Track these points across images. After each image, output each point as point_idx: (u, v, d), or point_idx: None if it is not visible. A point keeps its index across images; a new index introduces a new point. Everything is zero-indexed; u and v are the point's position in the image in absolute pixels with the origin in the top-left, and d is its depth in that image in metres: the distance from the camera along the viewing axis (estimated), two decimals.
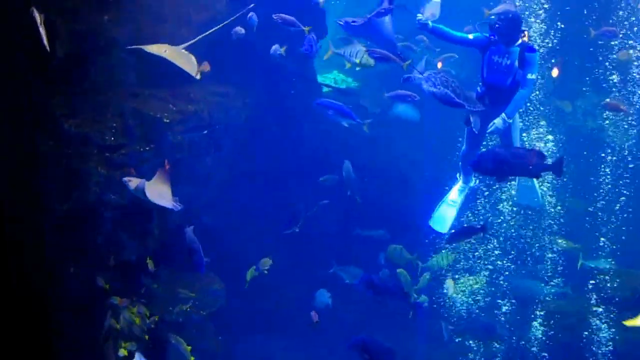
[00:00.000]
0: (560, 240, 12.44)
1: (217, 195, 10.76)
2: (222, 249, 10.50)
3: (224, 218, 11.06)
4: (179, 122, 9.45)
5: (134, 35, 8.72)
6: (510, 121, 8.86)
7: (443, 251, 11.35)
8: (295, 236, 11.16)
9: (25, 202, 7.66)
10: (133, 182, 7.74)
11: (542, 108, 12.45)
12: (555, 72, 12.14)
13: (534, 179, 10.15)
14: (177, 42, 8.82)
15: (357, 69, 9.72)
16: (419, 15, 8.76)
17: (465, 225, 10.58)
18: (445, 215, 10.24)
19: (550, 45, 12.25)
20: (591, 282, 11.98)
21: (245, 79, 11.14)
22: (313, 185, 11.74)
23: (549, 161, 8.09)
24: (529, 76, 8.81)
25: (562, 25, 12.32)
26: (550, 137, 12.41)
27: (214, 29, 9.31)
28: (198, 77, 8.60)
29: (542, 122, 12.38)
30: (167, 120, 9.26)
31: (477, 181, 10.52)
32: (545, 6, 12.18)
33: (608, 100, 12.15)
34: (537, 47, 9.03)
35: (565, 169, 8.56)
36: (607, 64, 12.48)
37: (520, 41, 8.87)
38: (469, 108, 8.61)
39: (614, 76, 12.43)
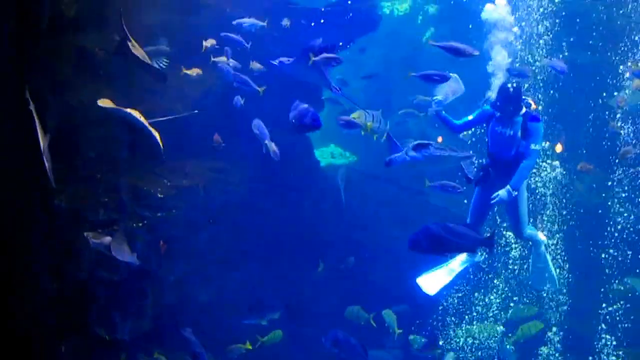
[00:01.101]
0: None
1: (213, 272, 10.49)
2: (218, 327, 10.17)
3: (220, 295, 10.73)
4: (173, 197, 9.26)
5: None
6: (516, 193, 8.62)
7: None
8: (296, 313, 10.89)
9: (16, 280, 7.42)
10: (96, 238, 7.52)
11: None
12: (559, 148, 12.01)
13: (548, 260, 9.90)
14: (171, 115, 8.67)
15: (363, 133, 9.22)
16: (437, 96, 8.66)
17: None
18: (439, 279, 9.86)
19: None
20: None
21: (241, 154, 11.01)
22: (312, 262, 11.54)
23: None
24: (533, 146, 8.60)
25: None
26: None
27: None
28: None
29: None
30: (161, 196, 9.08)
31: (483, 255, 10.21)
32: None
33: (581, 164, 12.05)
34: (541, 118, 8.81)
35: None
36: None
37: (524, 110, 8.71)
38: (459, 155, 8.38)
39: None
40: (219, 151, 9.74)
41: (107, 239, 7.52)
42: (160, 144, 7.86)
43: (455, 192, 8.80)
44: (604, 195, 12.70)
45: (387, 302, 11.49)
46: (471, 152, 8.78)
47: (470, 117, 9.03)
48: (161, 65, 8.77)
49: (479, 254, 10.05)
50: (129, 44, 8.02)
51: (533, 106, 8.84)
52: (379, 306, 11.22)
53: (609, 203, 12.52)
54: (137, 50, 8.16)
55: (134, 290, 8.70)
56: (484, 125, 9.08)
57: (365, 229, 12.86)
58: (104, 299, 8.41)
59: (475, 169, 8.75)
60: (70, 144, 8.20)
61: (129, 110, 7.59)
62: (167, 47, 8.99)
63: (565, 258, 11.63)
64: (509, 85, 8.70)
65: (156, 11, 9.09)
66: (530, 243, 9.99)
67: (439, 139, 12.85)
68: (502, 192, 8.55)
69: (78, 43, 7.94)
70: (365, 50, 15.37)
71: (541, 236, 9.86)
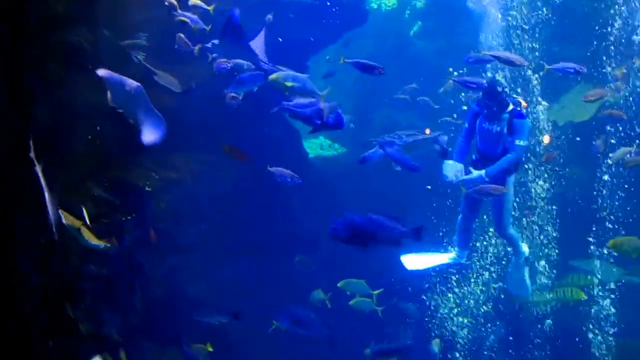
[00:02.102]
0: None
1: (202, 266, 10.52)
2: (207, 321, 10.21)
3: (209, 289, 10.76)
4: (161, 190, 9.29)
5: None
6: (487, 179, 8.70)
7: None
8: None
9: (3, 275, 7.43)
10: (67, 219, 7.54)
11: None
12: (546, 139, 12.07)
13: (525, 273, 9.95)
14: (160, 109, 8.63)
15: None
16: (448, 178, 8.74)
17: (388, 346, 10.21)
18: (421, 262, 9.91)
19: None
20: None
21: (230, 146, 11.04)
22: (302, 254, 11.58)
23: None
24: (518, 142, 8.69)
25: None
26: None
27: None
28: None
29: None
30: (150, 189, 9.10)
31: (469, 261, 10.23)
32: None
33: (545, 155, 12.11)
34: (527, 115, 8.89)
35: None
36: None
37: (511, 107, 8.79)
38: (429, 136, 8.39)
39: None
40: (207, 144, 9.79)
41: (78, 221, 7.50)
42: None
43: (496, 195, 8.83)
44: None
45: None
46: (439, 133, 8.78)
47: (466, 125, 9.14)
48: (138, 58, 8.74)
49: (464, 259, 10.09)
50: (155, 76, 8.11)
51: (523, 104, 8.93)
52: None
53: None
54: (164, 79, 8.24)
55: (122, 285, 8.72)
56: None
57: None
58: (93, 294, 8.43)
59: (445, 142, 8.73)
60: (59, 140, 8.23)
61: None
62: (145, 42, 8.94)
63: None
64: (498, 88, 8.79)
65: (143, 7, 9.09)
66: (511, 250, 10.05)
67: (427, 131, 12.90)
68: (475, 173, 8.67)
69: (67, 39, 7.93)
70: (349, 44, 15.37)
71: (524, 247, 9.93)
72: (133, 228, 8.85)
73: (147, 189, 9.09)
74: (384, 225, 7.37)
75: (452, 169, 8.77)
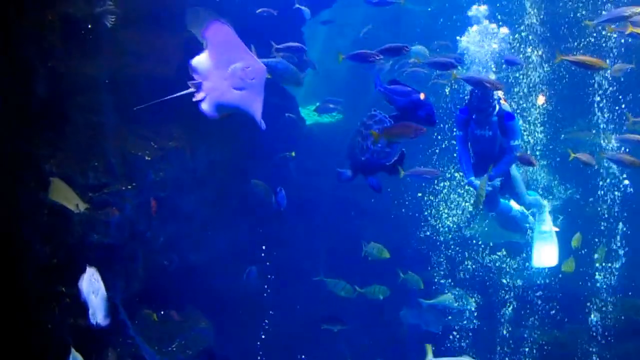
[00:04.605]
0: None
1: (202, 233, 10.65)
2: (208, 287, 10.37)
3: (209, 255, 10.90)
4: (160, 159, 9.38)
5: (113, 74, 8.68)
6: (492, 182, 8.91)
7: None
8: (285, 269, 11.16)
9: (6, 246, 7.58)
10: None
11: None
12: (540, 100, 12.07)
13: (550, 221, 10.06)
14: (156, 79, 8.69)
15: None
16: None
17: None
18: (551, 249, 10.11)
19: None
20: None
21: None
22: (299, 221, 11.70)
23: None
24: (513, 142, 8.88)
25: None
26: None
27: None
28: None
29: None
30: (149, 158, 9.19)
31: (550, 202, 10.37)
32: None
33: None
34: (515, 114, 9.05)
35: None
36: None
37: (498, 108, 8.86)
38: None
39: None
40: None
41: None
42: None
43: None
44: None
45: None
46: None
47: (459, 133, 9.19)
48: (108, 23, 8.72)
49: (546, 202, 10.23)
50: None
51: (502, 101, 9.00)
52: (367, 264, 11.40)
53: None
54: None
55: (124, 253, 8.85)
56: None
57: (352, 189, 12.92)
58: (95, 262, 8.54)
59: None
60: (58, 111, 8.32)
61: None
62: (113, 7, 8.88)
63: None
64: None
65: None
66: (534, 210, 10.15)
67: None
68: (479, 181, 8.83)
69: (64, 11, 7.98)
70: (328, 22, 15.38)
71: (544, 201, 10.10)
72: (134, 197, 8.96)
73: (146, 158, 9.19)
74: None
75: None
